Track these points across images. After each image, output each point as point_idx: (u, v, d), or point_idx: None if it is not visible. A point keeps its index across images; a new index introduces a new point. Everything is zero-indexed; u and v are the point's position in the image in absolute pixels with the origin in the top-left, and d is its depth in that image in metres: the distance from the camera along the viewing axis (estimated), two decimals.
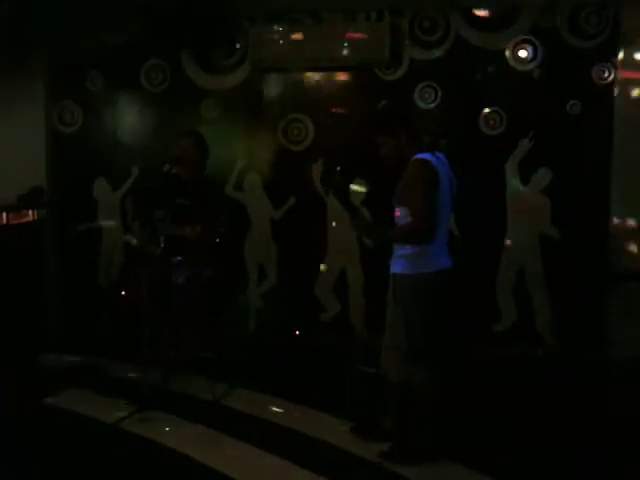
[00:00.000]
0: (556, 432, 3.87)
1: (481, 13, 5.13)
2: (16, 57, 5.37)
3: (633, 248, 4.98)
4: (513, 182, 5.15)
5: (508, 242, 5.19)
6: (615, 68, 4.96)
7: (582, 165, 5.03)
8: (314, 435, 3.86)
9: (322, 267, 5.08)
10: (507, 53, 5.10)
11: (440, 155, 3.49)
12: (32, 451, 3.70)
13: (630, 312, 4.86)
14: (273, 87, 5.55)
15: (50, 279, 5.74)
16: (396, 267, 3.48)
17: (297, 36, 5.25)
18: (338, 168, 4.89)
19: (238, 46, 5.48)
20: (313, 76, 5.50)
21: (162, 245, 4.47)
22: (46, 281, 5.67)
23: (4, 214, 5.28)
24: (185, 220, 4.53)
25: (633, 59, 4.94)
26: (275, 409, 4.25)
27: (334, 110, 5.44)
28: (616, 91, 4.96)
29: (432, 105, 5.22)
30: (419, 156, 3.41)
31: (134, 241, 4.66)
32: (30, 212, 5.57)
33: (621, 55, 4.94)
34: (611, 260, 4.98)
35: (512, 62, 5.11)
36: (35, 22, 5.30)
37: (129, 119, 5.73)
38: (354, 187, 5.17)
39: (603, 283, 5.01)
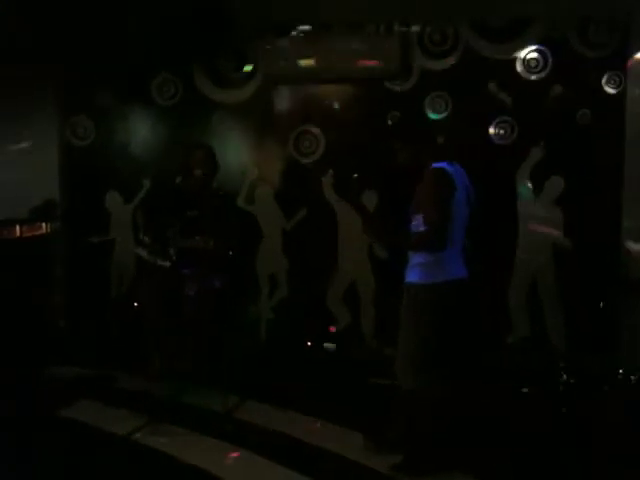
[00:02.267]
0: (571, 444, 3.83)
1: (491, 24, 5.13)
2: (30, 71, 5.41)
3: None
4: (524, 192, 5.13)
5: (520, 253, 5.15)
6: (625, 77, 4.93)
7: (594, 174, 5.00)
8: (326, 447, 3.84)
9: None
10: (517, 63, 5.10)
11: (457, 165, 3.49)
12: (43, 463, 3.70)
13: None
14: (283, 100, 5.57)
15: (62, 291, 5.76)
16: (410, 276, 3.47)
17: (307, 49, 5.27)
18: (355, 175, 4.90)
19: (249, 60, 5.52)
20: (323, 88, 5.52)
21: (173, 257, 4.50)
22: (58, 293, 5.69)
23: (17, 227, 5.31)
24: (196, 232, 4.54)
25: None
26: (286, 421, 4.23)
27: (344, 122, 5.45)
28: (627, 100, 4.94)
29: (443, 115, 5.22)
30: (436, 165, 3.41)
31: (145, 254, 4.67)
32: (43, 225, 5.60)
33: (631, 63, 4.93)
34: (623, 269, 4.93)
35: (522, 72, 5.10)
36: (49, 37, 5.35)
37: (141, 133, 5.77)
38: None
39: (616, 292, 4.96)
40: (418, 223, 3.39)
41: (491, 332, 5.10)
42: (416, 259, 3.42)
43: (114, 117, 5.77)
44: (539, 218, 5.12)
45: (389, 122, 5.20)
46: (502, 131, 5.14)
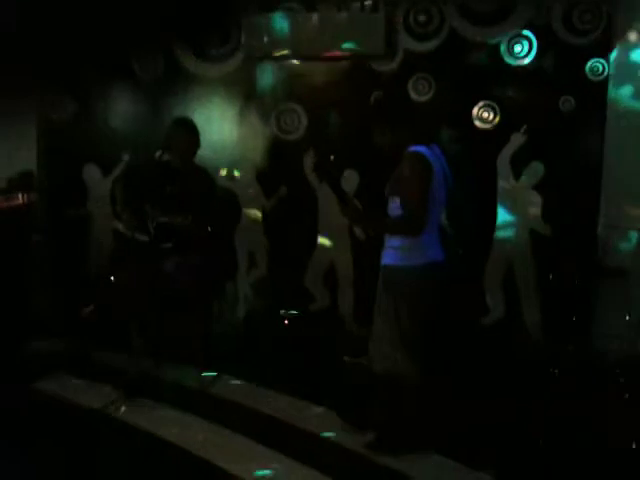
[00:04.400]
0: (542, 426, 3.90)
1: (476, 7, 5.12)
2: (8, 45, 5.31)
3: (623, 244, 4.99)
4: (504, 177, 5.15)
5: (498, 237, 5.20)
6: (609, 64, 4.95)
7: (574, 161, 5.03)
8: (299, 425, 3.88)
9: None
10: (501, 47, 5.09)
11: (435, 148, 3.49)
12: (18, 435, 3.70)
13: (619, 307, 4.86)
14: (266, 76, 5.53)
15: (39, 264, 5.71)
16: (386, 259, 3.49)
17: (291, 25, 5.22)
18: (332, 157, 4.90)
19: (231, 34, 5.45)
20: (306, 65, 5.48)
21: (151, 232, 4.47)
22: (34, 266, 5.64)
23: None
24: (175, 208, 4.51)
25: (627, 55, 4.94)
26: (261, 398, 4.26)
27: (327, 100, 5.42)
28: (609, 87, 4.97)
29: (426, 97, 5.21)
30: (414, 148, 3.41)
31: (123, 228, 4.64)
32: (20, 196, 5.52)
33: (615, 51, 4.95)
34: (601, 256, 4.99)
35: (506, 56, 5.10)
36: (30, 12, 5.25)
37: (120, 106, 5.71)
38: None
39: (593, 279, 5.02)
40: (395, 206, 3.39)
41: (467, 314, 5.14)
42: (393, 242, 3.44)
43: (94, 90, 5.68)
44: (518, 202, 5.15)
45: (371, 102, 5.17)
46: (484, 115, 5.15)
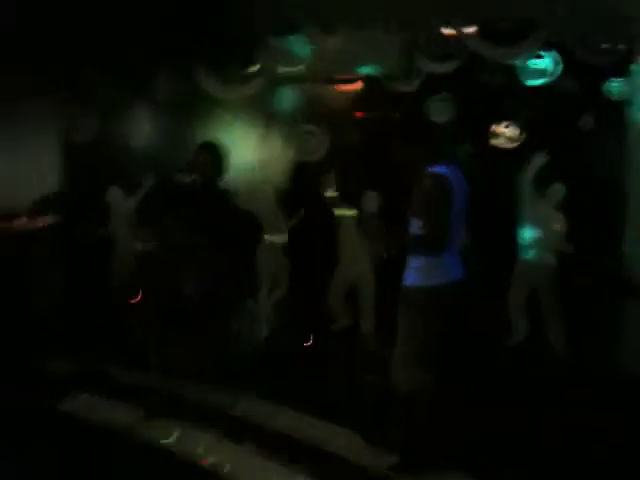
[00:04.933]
0: (568, 447, 3.84)
1: (495, 28, 5.14)
2: (32, 68, 5.42)
3: None
4: (527, 196, 5.13)
5: (521, 256, 5.17)
6: (628, 84, 4.95)
7: (596, 180, 5.01)
8: (322, 445, 3.85)
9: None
10: (520, 67, 5.11)
11: (455, 167, 3.50)
12: (43, 456, 3.71)
13: None
14: (286, 98, 5.59)
15: (62, 283, 5.77)
16: (408, 279, 3.48)
17: (310, 49, 5.29)
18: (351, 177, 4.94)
19: (253, 58, 5.53)
20: (326, 88, 5.54)
21: (172, 253, 4.51)
22: (58, 285, 5.70)
23: (19, 220, 5.32)
24: (198, 229, 4.55)
25: None
26: (285, 419, 4.24)
27: (347, 121, 5.47)
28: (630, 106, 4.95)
29: (445, 118, 5.23)
30: (434, 168, 3.42)
31: (144, 248, 4.69)
32: (45, 218, 5.61)
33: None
34: (626, 275, 4.94)
35: (525, 76, 5.11)
36: (51, 35, 5.36)
37: (143, 128, 5.79)
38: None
39: (618, 298, 4.97)
40: (416, 226, 3.40)
41: (490, 333, 5.11)
42: (414, 262, 3.43)
43: (117, 113, 5.78)
44: (541, 222, 5.12)
45: (390, 123, 5.22)
46: (505, 134, 5.16)
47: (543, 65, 5.07)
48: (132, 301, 5.29)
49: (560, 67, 5.04)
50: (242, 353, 4.93)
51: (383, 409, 3.75)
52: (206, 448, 3.82)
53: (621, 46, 4.93)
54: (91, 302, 5.78)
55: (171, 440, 3.90)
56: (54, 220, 5.62)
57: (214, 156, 4.67)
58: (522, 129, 5.12)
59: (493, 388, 4.55)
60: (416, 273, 3.43)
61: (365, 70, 5.29)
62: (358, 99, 5.48)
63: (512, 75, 5.13)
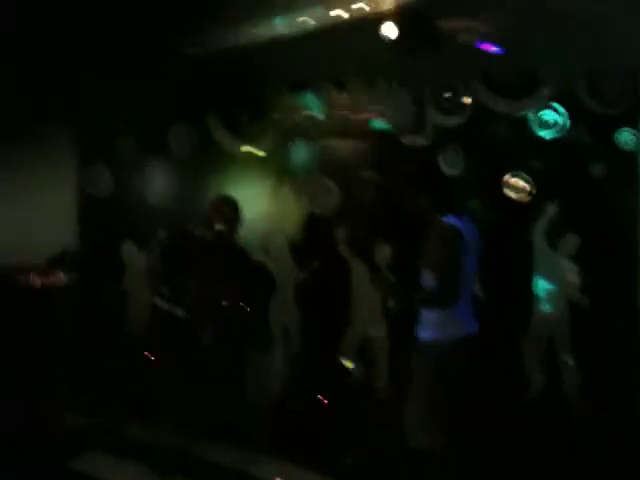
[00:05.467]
0: None
1: (502, 80, 5.20)
2: (46, 122, 5.54)
3: None
4: (540, 248, 5.10)
5: (535, 308, 5.11)
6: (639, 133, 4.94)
7: (610, 231, 4.96)
8: None
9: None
10: (530, 119, 5.14)
11: (466, 219, 3.51)
12: None
13: None
14: (298, 152, 5.65)
15: (76, 340, 5.76)
16: (422, 333, 3.46)
17: (322, 104, 5.38)
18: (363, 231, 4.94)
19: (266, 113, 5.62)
20: (338, 142, 5.60)
21: (187, 307, 4.52)
22: (73, 342, 5.70)
23: (35, 276, 5.36)
24: (213, 283, 4.56)
25: None
26: (299, 477, 4.16)
27: (359, 175, 5.50)
28: None
29: (456, 170, 5.25)
30: (446, 219, 3.43)
31: (164, 304, 4.69)
32: (60, 274, 5.66)
33: None
34: None
35: (535, 128, 5.14)
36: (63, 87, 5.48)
37: (157, 183, 5.87)
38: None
39: (634, 353, 4.86)
40: (428, 278, 3.38)
41: (506, 388, 5.00)
42: (427, 315, 3.41)
43: (131, 167, 5.86)
44: (555, 274, 5.07)
45: (402, 176, 5.23)
46: (515, 186, 5.15)
47: (553, 116, 5.10)
48: (149, 356, 5.28)
49: (569, 118, 5.06)
50: (256, 409, 4.88)
51: (397, 467, 3.68)
52: None
53: (630, 96, 4.95)
54: (106, 357, 5.77)
55: None
56: (69, 277, 5.66)
57: (231, 209, 4.73)
58: (533, 180, 5.11)
59: (510, 444, 4.45)
60: (429, 326, 3.40)
61: (376, 124, 5.35)
62: (370, 152, 5.51)
63: (522, 127, 5.16)
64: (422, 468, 3.42)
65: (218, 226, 4.64)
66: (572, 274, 5.02)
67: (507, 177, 5.15)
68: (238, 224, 4.75)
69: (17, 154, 5.50)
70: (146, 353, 5.33)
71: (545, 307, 5.09)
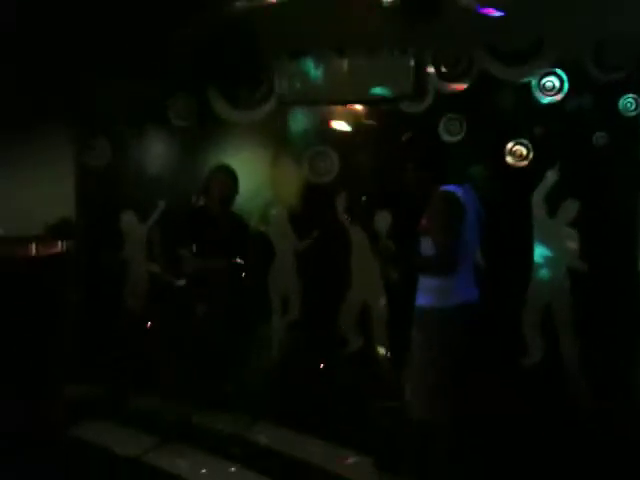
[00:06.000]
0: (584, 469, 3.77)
1: (504, 47, 5.13)
2: (46, 95, 5.48)
3: None
4: (540, 214, 5.08)
5: (534, 275, 5.11)
6: None
7: (610, 197, 4.95)
8: (335, 470, 3.81)
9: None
10: (532, 85, 5.08)
11: (467, 187, 3.48)
12: None
13: None
14: (298, 120, 5.60)
15: (76, 309, 5.77)
16: (420, 300, 3.45)
17: (322, 71, 5.32)
18: (364, 198, 4.92)
19: (263, 81, 5.55)
20: (338, 110, 5.55)
21: (187, 277, 4.52)
22: (71, 311, 5.71)
23: (33, 245, 5.35)
24: (210, 252, 4.56)
25: None
26: (297, 444, 4.20)
27: (358, 142, 5.46)
28: None
29: (458, 138, 5.21)
30: (446, 188, 3.40)
31: (159, 272, 4.71)
32: (59, 243, 5.64)
33: None
34: None
35: (538, 94, 5.08)
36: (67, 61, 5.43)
37: (156, 153, 5.83)
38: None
39: (633, 319, 4.88)
40: (427, 246, 3.37)
41: (505, 355, 5.03)
42: (426, 282, 3.40)
43: (130, 138, 5.82)
44: (554, 240, 5.07)
45: (402, 143, 5.19)
46: (517, 153, 5.12)
47: (555, 83, 5.04)
48: (148, 326, 5.30)
49: (570, 84, 5.01)
50: (256, 377, 4.91)
51: (398, 435, 3.71)
52: (221, 475, 3.79)
53: (633, 62, 4.89)
54: (106, 328, 5.78)
55: (185, 467, 3.87)
56: (68, 246, 5.65)
57: (229, 179, 4.71)
58: (534, 147, 5.07)
59: (510, 411, 4.48)
60: (428, 294, 3.39)
61: (377, 91, 5.29)
62: (369, 120, 5.47)
63: (524, 93, 5.11)
64: (423, 437, 3.43)
65: (217, 195, 4.63)
66: (571, 240, 5.02)
67: (509, 144, 5.12)
68: (236, 193, 4.74)
69: (15, 126, 5.46)
70: (146, 322, 5.37)
71: (544, 274, 5.10)
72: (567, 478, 3.69)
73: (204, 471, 3.81)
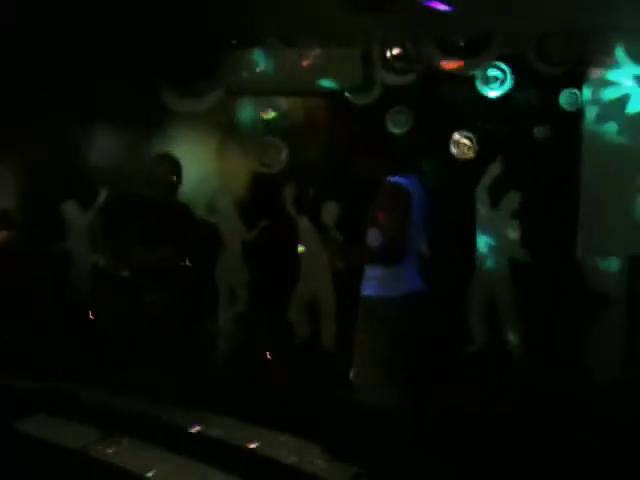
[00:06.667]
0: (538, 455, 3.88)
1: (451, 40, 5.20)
2: None
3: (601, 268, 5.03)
4: (483, 205, 5.19)
5: (478, 266, 5.23)
6: (582, 94, 5.04)
7: (551, 188, 5.09)
8: (284, 459, 3.82)
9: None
10: (476, 79, 5.17)
11: (413, 178, 3.52)
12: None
13: (601, 334, 4.89)
14: (246, 111, 5.57)
15: (18, 300, 5.63)
16: (366, 289, 3.48)
17: (270, 61, 5.29)
18: (311, 189, 4.94)
19: (211, 70, 5.50)
20: (286, 100, 5.54)
21: (131, 267, 4.46)
22: (16, 303, 5.56)
23: None
24: (156, 242, 4.50)
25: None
26: (244, 434, 4.20)
27: (306, 133, 5.47)
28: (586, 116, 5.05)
29: (404, 129, 5.27)
30: (392, 179, 3.43)
31: (103, 263, 4.63)
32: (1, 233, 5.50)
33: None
34: (581, 282, 5.02)
35: (482, 87, 5.18)
36: None
37: (98, 141, 5.71)
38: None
39: (574, 305, 5.04)
40: (374, 236, 3.40)
41: (450, 343, 5.12)
42: (372, 272, 3.43)
43: (72, 124, 5.68)
44: (497, 230, 5.19)
45: (350, 135, 5.23)
46: (461, 145, 5.21)
47: (497, 75, 5.14)
48: (91, 317, 5.21)
49: (514, 78, 5.12)
50: (202, 369, 4.88)
51: (347, 421, 3.74)
52: (171, 468, 3.76)
53: (574, 57, 5.03)
54: (48, 319, 5.65)
55: (128, 460, 3.83)
56: (7, 236, 5.51)
57: (172, 167, 4.66)
58: (478, 139, 5.18)
59: (456, 397, 4.57)
60: (374, 284, 3.42)
61: (325, 83, 5.30)
62: (318, 111, 5.48)
63: (469, 86, 5.20)
64: (371, 424, 3.48)
65: (160, 184, 4.58)
66: (513, 230, 5.15)
67: (453, 136, 5.21)
68: (180, 182, 4.69)
69: None
70: (90, 314, 5.27)
71: (487, 263, 5.22)
72: (518, 462, 3.78)
73: (154, 464, 3.77)
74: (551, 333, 5.04)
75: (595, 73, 5.04)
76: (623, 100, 4.98)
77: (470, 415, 4.36)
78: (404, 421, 3.44)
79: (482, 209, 5.19)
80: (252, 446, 3.99)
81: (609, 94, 5.02)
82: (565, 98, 5.08)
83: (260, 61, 5.33)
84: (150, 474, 3.63)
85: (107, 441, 3.99)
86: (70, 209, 5.74)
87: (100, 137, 5.73)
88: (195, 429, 4.25)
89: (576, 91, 5.08)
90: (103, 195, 5.64)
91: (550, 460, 3.78)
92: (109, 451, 3.89)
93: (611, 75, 4.99)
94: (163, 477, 3.61)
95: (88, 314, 5.37)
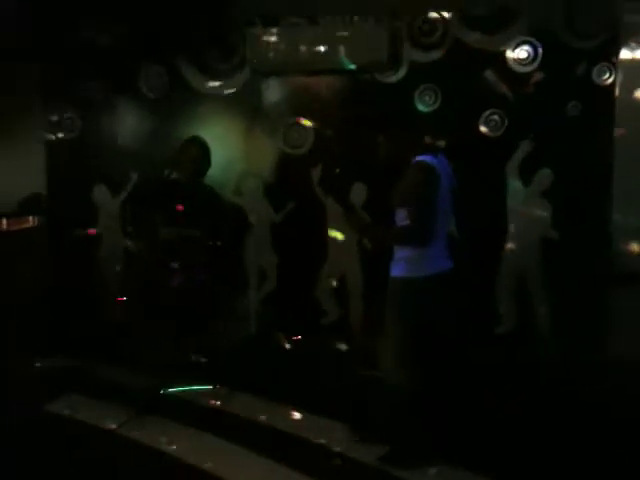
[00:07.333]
0: (556, 434, 3.84)
1: (479, 15, 5.10)
2: (11, 64, 5.35)
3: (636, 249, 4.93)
4: (514, 184, 5.11)
5: (509, 245, 5.16)
6: (615, 68, 4.91)
7: (583, 167, 4.98)
8: (313, 439, 3.84)
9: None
10: (506, 55, 5.07)
11: (441, 157, 3.48)
12: (33, 460, 3.67)
13: (634, 314, 4.80)
14: (272, 91, 5.54)
15: (48, 284, 5.71)
16: (395, 270, 3.47)
17: (295, 40, 5.24)
18: (337, 170, 4.90)
19: (235, 50, 5.47)
20: (312, 80, 5.49)
21: (160, 249, 4.49)
22: (44, 286, 5.65)
23: (4, 220, 5.28)
24: (184, 224, 4.53)
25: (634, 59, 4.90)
26: (274, 414, 4.23)
27: (333, 113, 5.42)
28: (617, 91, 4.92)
29: (432, 107, 5.20)
30: (419, 158, 3.40)
31: (132, 245, 4.67)
32: (30, 218, 5.57)
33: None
34: (614, 262, 4.93)
35: (512, 63, 5.08)
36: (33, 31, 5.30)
37: (128, 125, 5.73)
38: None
39: (606, 285, 4.95)
40: (402, 217, 3.37)
41: (479, 324, 5.09)
42: (400, 253, 3.42)
43: (100, 109, 5.71)
44: (527, 210, 5.11)
45: (377, 114, 5.17)
46: (492, 123, 5.12)
47: (529, 51, 5.03)
48: (121, 299, 5.27)
49: (544, 53, 5.01)
50: (232, 349, 4.92)
51: (374, 402, 3.75)
52: (198, 446, 3.81)
53: (606, 31, 4.90)
54: (79, 301, 5.74)
55: (161, 439, 3.88)
56: (40, 221, 5.58)
57: (201, 151, 4.69)
58: (508, 116, 5.08)
59: (485, 378, 4.54)
60: (402, 264, 3.41)
61: (351, 61, 5.23)
62: (344, 90, 5.42)
63: (499, 62, 5.10)
64: (399, 405, 3.47)
65: (189, 166, 4.60)
66: (544, 209, 5.06)
67: (483, 114, 5.12)
68: (209, 165, 4.71)
69: None
70: (120, 296, 5.32)
71: (517, 243, 5.15)
72: (542, 444, 3.75)
73: (179, 443, 3.82)
74: (581, 314, 4.97)
75: (628, 47, 4.89)
76: None
77: (498, 396, 4.33)
78: (431, 401, 3.44)
79: (512, 188, 5.11)
80: (280, 426, 4.03)
81: None
82: (597, 72, 4.95)
83: (284, 40, 5.27)
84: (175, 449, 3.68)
85: (137, 421, 4.05)
86: (100, 193, 5.78)
87: (129, 120, 5.74)
88: (224, 407, 4.30)
89: (608, 65, 4.94)
90: (133, 179, 5.67)
91: (584, 441, 3.76)
92: (141, 431, 3.95)
93: None
94: (192, 455, 3.66)
95: (119, 296, 5.43)
